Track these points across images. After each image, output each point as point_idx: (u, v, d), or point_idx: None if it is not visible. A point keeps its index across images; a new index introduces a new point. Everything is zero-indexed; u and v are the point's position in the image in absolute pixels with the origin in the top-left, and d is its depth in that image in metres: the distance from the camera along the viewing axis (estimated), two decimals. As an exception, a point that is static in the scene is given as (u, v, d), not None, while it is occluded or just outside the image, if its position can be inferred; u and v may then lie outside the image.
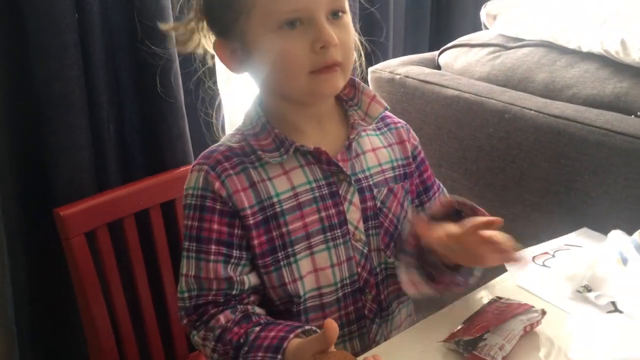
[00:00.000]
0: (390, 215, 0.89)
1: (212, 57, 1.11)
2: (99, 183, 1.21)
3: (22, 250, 1.18)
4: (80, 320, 1.15)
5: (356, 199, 0.85)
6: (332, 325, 0.65)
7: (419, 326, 0.85)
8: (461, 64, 1.42)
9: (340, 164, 0.84)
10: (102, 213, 1.11)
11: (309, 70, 0.77)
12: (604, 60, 1.20)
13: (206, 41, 0.88)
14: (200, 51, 0.89)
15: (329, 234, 0.83)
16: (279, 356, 0.72)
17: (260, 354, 0.74)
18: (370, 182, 0.87)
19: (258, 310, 0.83)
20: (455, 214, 0.86)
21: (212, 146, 0.86)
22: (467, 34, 1.52)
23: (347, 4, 0.80)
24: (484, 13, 1.47)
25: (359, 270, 0.86)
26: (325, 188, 0.84)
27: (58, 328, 1.25)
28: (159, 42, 1.18)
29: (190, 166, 1.13)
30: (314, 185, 0.83)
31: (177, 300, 0.84)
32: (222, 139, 0.87)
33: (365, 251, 0.86)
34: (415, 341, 0.81)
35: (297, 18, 0.75)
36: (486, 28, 1.49)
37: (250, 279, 0.82)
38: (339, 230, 0.84)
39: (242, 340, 0.77)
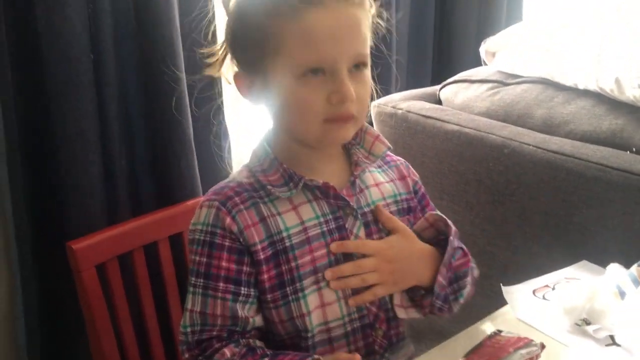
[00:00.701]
0: None
1: (221, 94, 1.16)
2: (110, 216, 1.24)
3: (35, 281, 1.21)
4: (89, 351, 1.17)
5: (362, 232, 0.86)
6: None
7: (422, 358, 0.87)
8: (462, 99, 1.46)
9: (345, 197, 0.85)
10: (113, 246, 1.13)
11: (323, 119, 0.79)
12: (600, 97, 1.23)
13: (225, 69, 0.90)
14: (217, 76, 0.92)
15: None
16: None
17: None
18: (376, 216, 0.89)
19: (259, 343, 0.83)
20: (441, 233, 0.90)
21: (222, 182, 0.87)
22: (468, 68, 1.56)
23: (369, 57, 0.81)
24: (483, 50, 1.51)
25: (368, 305, 0.87)
26: (333, 222, 0.85)
27: (68, 358, 1.27)
28: (169, 81, 1.23)
29: (198, 200, 1.15)
30: (322, 219, 0.84)
31: (179, 334, 0.84)
32: (231, 176, 0.89)
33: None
34: (417, 374, 0.83)
35: (320, 68, 0.77)
36: (485, 64, 1.53)
37: (255, 320, 0.83)
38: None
39: None
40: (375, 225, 0.88)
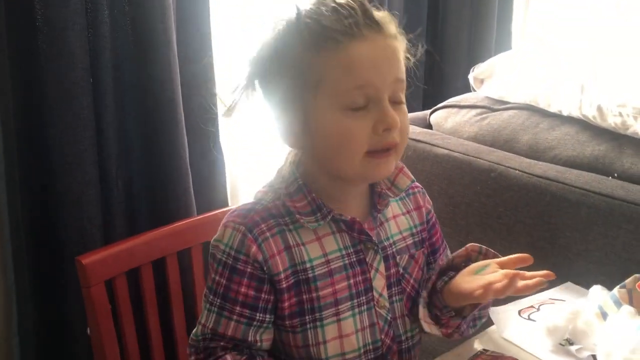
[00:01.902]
0: (412, 281, 0.91)
1: (216, 114, 1.17)
2: (106, 236, 1.26)
3: (30, 300, 1.23)
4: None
5: (382, 266, 0.87)
6: None
7: (410, 377, 0.90)
8: (451, 124, 1.50)
9: (368, 232, 0.85)
10: (122, 261, 1.13)
11: (366, 151, 0.78)
12: (583, 124, 1.28)
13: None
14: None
15: (355, 300, 0.85)
16: None
17: None
18: (394, 249, 0.89)
19: (262, 354, 0.85)
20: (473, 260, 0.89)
21: (248, 204, 0.86)
22: (458, 93, 1.60)
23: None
24: (472, 76, 1.56)
25: (382, 337, 0.87)
26: (354, 256, 0.85)
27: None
28: (166, 104, 1.26)
29: (206, 217, 1.14)
30: (344, 252, 0.84)
31: (190, 339, 0.85)
32: (256, 195, 0.87)
33: (388, 318, 0.88)
34: (406, 392, 0.85)
35: (367, 99, 0.76)
36: (474, 90, 1.57)
37: (264, 344, 0.84)
38: (364, 297, 0.85)
39: None
40: (393, 260, 0.89)
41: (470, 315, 0.87)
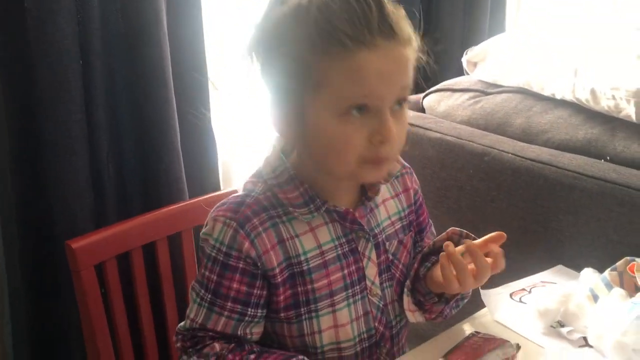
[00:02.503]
0: (400, 266, 0.91)
1: (208, 97, 1.16)
2: (97, 221, 1.25)
3: (22, 283, 1.22)
4: (82, 351, 1.18)
5: (373, 254, 0.87)
6: None
7: (402, 359, 0.90)
8: (444, 107, 1.49)
9: (360, 221, 0.85)
10: (112, 245, 1.13)
11: (360, 158, 0.76)
12: (576, 107, 1.27)
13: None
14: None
15: (350, 290, 0.85)
16: None
17: None
18: (383, 236, 0.89)
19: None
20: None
21: (238, 196, 0.83)
22: (452, 77, 1.60)
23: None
24: (465, 60, 1.55)
25: (376, 324, 0.88)
26: (346, 245, 0.85)
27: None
28: (157, 89, 1.25)
29: (193, 202, 1.12)
30: (337, 242, 0.84)
31: (177, 329, 0.85)
32: (245, 187, 0.85)
33: (381, 305, 0.88)
34: (398, 374, 0.86)
35: (365, 105, 0.73)
36: (467, 74, 1.57)
37: (254, 337, 0.84)
38: (357, 287, 0.86)
39: None
40: (383, 246, 0.89)
41: (454, 300, 0.88)
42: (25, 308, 1.23)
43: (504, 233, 0.84)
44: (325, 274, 0.83)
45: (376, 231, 0.88)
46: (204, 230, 0.82)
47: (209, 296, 0.81)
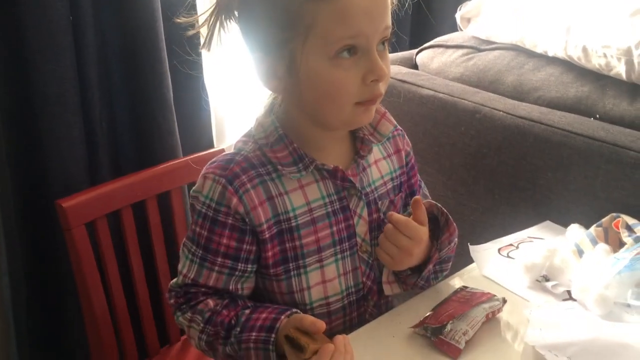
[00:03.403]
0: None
1: (199, 53, 1.15)
2: (92, 177, 1.27)
3: (18, 241, 1.24)
4: (76, 307, 1.21)
5: (365, 212, 0.88)
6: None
7: (391, 313, 0.92)
8: (437, 64, 1.49)
9: (351, 179, 0.86)
10: (102, 204, 1.15)
11: (355, 101, 0.78)
12: (568, 65, 1.28)
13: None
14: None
15: (338, 247, 0.87)
16: (273, 335, 0.77)
17: (253, 334, 0.79)
18: (376, 195, 0.91)
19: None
20: (433, 219, 0.90)
21: (228, 154, 0.85)
22: (447, 32, 1.59)
23: None
24: (458, 15, 1.54)
25: (364, 279, 0.90)
26: (337, 203, 0.86)
27: (54, 312, 1.31)
28: (149, 44, 1.24)
29: (184, 160, 1.13)
30: (327, 200, 0.85)
31: (169, 286, 0.87)
32: (236, 145, 0.86)
33: (370, 261, 0.90)
34: (387, 327, 0.88)
35: (355, 45, 0.75)
36: (461, 30, 1.56)
37: (245, 292, 0.86)
38: (347, 243, 0.87)
39: (233, 322, 0.81)
40: (375, 205, 0.90)
41: (426, 272, 0.89)
42: (22, 259, 1.25)
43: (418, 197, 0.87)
44: (313, 230, 0.85)
45: (368, 190, 0.89)
46: (194, 188, 0.84)
47: (200, 252, 0.83)
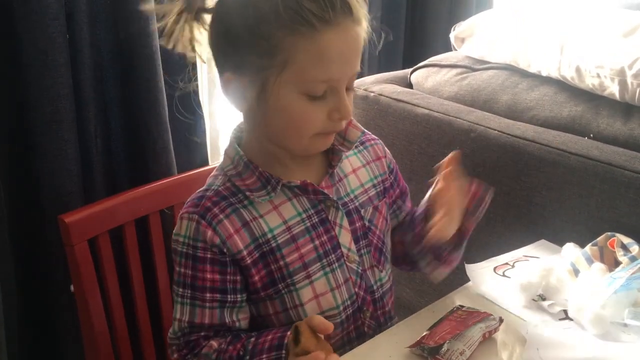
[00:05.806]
0: (377, 232, 0.93)
1: (195, 75, 1.16)
2: (86, 194, 1.26)
3: (12, 259, 1.22)
4: (71, 324, 1.19)
5: (345, 222, 0.89)
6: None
7: (388, 332, 0.92)
8: (431, 83, 1.50)
9: (326, 190, 0.87)
10: (105, 219, 1.13)
11: (316, 132, 0.81)
12: (562, 85, 1.29)
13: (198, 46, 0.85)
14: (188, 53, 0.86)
15: (324, 260, 0.87)
16: (283, 352, 0.78)
17: (264, 356, 0.79)
18: (356, 204, 0.91)
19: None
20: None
21: (199, 191, 0.87)
22: (440, 52, 1.60)
23: None
24: (453, 35, 1.55)
25: (357, 290, 0.90)
26: (315, 217, 0.87)
27: (49, 329, 1.29)
28: (145, 62, 1.24)
29: (190, 174, 1.15)
30: (304, 215, 0.86)
31: (169, 339, 0.87)
32: (208, 181, 0.88)
33: (359, 271, 0.90)
34: (384, 347, 0.88)
35: (327, 89, 0.78)
36: (455, 49, 1.57)
37: (242, 323, 0.86)
38: (333, 255, 0.88)
39: (241, 353, 0.81)
40: (357, 214, 0.91)
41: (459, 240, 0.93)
42: (16, 278, 1.23)
43: (457, 152, 0.92)
44: (295, 247, 0.85)
45: (346, 199, 0.90)
46: (174, 231, 0.85)
47: (189, 292, 0.84)
